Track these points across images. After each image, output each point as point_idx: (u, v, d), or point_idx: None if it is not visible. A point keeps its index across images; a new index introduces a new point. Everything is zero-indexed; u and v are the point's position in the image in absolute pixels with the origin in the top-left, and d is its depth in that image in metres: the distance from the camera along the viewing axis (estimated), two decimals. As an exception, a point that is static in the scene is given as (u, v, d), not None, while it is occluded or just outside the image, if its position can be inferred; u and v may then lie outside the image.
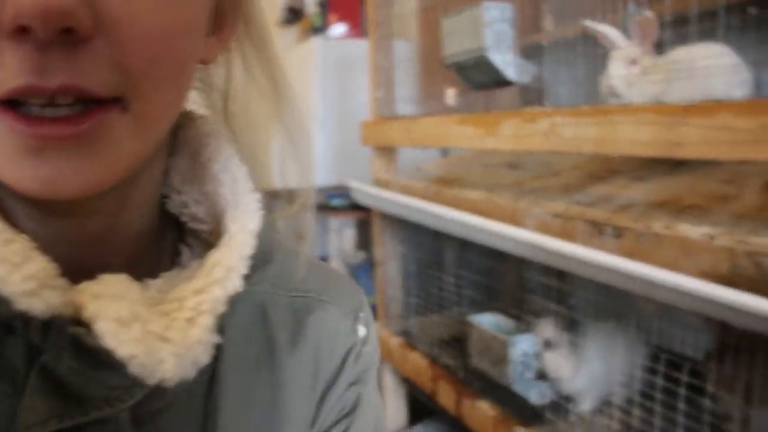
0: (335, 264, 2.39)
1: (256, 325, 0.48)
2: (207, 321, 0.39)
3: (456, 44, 1.61)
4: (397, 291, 2.30)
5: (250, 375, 0.46)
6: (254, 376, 0.46)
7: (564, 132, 1.40)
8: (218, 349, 0.42)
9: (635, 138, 1.23)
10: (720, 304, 1.06)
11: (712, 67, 1.43)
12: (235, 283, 0.42)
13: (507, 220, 1.63)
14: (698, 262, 1.18)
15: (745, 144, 1.05)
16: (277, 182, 0.53)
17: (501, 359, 1.59)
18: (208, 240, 0.47)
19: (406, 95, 2.19)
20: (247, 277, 0.44)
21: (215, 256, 0.42)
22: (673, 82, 1.42)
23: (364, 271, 2.41)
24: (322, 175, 3.39)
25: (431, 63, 2.08)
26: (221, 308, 0.41)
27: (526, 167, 2.10)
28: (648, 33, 1.42)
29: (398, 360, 2.22)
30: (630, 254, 1.30)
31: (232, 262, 0.42)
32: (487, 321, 1.72)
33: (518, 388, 1.56)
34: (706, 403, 1.37)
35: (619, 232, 1.34)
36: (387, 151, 2.24)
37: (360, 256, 2.43)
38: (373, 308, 2.47)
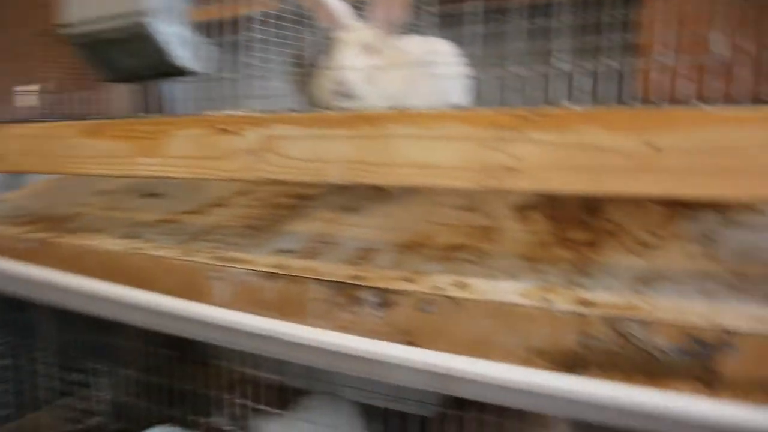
0: None
1: None
2: None
3: (87, 4, 0.96)
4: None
5: None
6: None
7: (292, 149, 0.89)
8: None
9: (432, 161, 0.80)
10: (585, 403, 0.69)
11: (451, 71, 1.09)
12: None
13: (179, 287, 1.05)
14: (524, 338, 0.81)
15: (624, 171, 0.71)
16: None
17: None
18: None
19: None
20: None
21: None
22: (413, 82, 1.03)
23: None
24: None
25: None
26: None
27: (169, 193, 1.52)
28: (394, 11, 1.00)
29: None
30: (411, 332, 0.87)
31: None
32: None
33: None
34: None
35: (385, 299, 0.90)
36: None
37: None
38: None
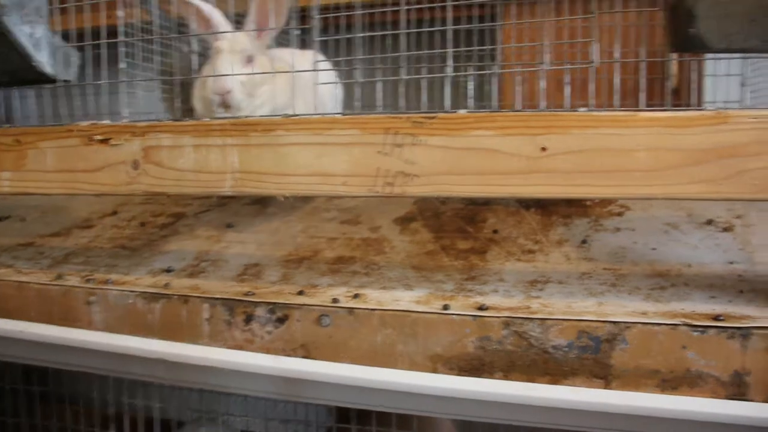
0: None
1: None
2: None
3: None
4: None
5: None
6: None
7: (175, 160, 0.85)
8: None
9: (325, 168, 0.78)
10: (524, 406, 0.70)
11: (324, 80, 1.08)
12: None
13: (51, 314, 0.96)
14: (425, 345, 0.81)
15: (516, 173, 0.72)
16: None
17: None
18: None
19: None
20: None
21: None
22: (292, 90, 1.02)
23: None
24: None
25: None
26: None
27: (26, 215, 1.39)
28: (269, 20, 0.98)
29: None
30: (308, 345, 0.84)
31: None
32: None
33: None
34: None
35: (280, 314, 0.87)
36: None
37: None
38: None
